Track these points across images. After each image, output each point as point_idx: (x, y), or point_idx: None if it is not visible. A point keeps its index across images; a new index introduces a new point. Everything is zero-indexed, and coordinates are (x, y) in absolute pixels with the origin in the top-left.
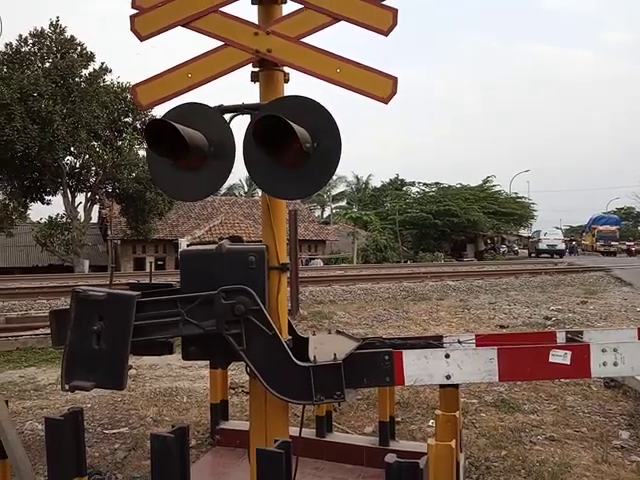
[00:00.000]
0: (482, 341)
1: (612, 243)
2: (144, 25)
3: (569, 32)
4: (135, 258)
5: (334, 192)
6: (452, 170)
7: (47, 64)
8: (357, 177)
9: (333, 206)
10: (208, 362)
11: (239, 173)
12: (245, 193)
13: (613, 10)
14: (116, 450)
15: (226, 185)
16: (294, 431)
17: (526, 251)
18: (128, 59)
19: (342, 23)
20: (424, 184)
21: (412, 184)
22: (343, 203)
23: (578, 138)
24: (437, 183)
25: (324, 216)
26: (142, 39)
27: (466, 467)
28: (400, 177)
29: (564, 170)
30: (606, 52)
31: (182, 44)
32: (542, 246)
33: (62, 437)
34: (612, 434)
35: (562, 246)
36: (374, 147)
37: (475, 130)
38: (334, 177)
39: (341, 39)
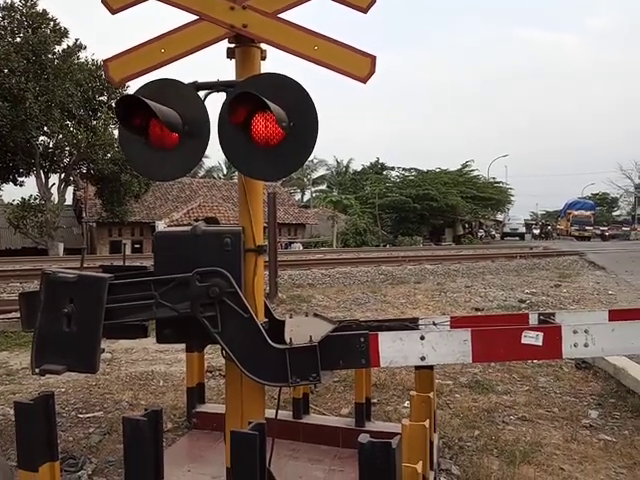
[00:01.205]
0: (457, 323)
1: (587, 228)
2: None
3: (556, 17)
4: (111, 241)
5: (314, 175)
6: (433, 154)
7: (18, 39)
8: (338, 160)
9: (313, 190)
10: (184, 345)
11: (218, 155)
12: (224, 176)
13: None
14: (91, 434)
15: (205, 167)
16: (271, 413)
17: None
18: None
19: None
20: (403, 169)
21: (392, 168)
22: (323, 187)
23: (555, 124)
24: (414, 169)
25: (304, 200)
26: (113, 12)
27: (440, 447)
28: (380, 161)
29: (541, 155)
30: (592, 38)
31: (156, 17)
32: (506, 230)
33: (32, 421)
34: (582, 414)
35: (523, 229)
36: (355, 131)
37: (456, 115)
38: (314, 160)
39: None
